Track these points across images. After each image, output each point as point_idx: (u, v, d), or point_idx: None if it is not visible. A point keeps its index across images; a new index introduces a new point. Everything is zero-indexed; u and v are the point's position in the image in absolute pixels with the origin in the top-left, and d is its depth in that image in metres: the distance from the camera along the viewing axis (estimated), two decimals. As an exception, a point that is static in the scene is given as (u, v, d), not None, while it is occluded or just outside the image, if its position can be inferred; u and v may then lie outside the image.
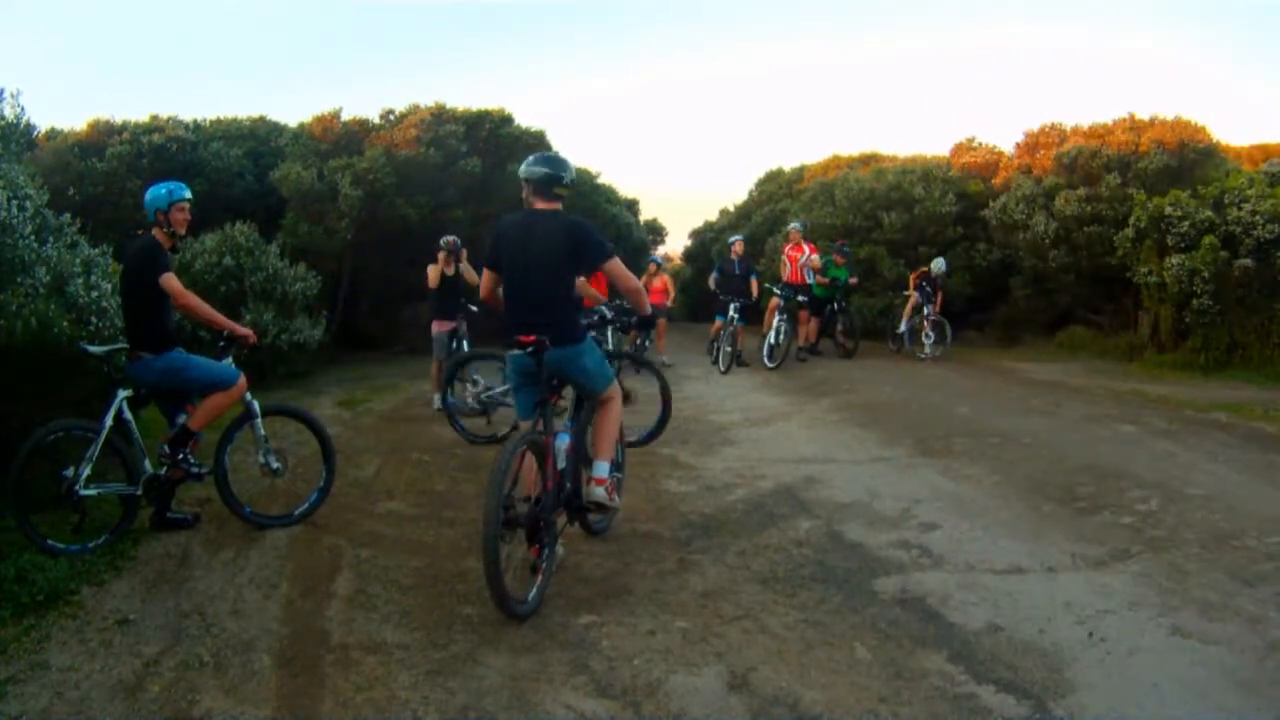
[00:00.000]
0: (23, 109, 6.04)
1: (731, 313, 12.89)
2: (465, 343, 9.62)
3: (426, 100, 17.29)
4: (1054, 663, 3.53)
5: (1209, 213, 11.52)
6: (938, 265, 14.29)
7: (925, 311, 14.22)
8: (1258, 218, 11.03)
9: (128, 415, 5.11)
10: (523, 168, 4.61)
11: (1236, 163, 15.40)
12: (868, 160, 21.72)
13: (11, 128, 5.84)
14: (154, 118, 16.43)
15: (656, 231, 30.47)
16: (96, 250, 6.50)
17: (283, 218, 15.06)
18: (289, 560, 4.87)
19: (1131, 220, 12.47)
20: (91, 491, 4.93)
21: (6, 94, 5.91)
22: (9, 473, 4.63)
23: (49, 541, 4.69)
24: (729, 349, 12.81)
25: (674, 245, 34.12)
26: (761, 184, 26.57)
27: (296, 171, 14.89)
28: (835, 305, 14.47)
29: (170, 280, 5.05)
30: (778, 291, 13.18)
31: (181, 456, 5.26)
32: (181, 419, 5.33)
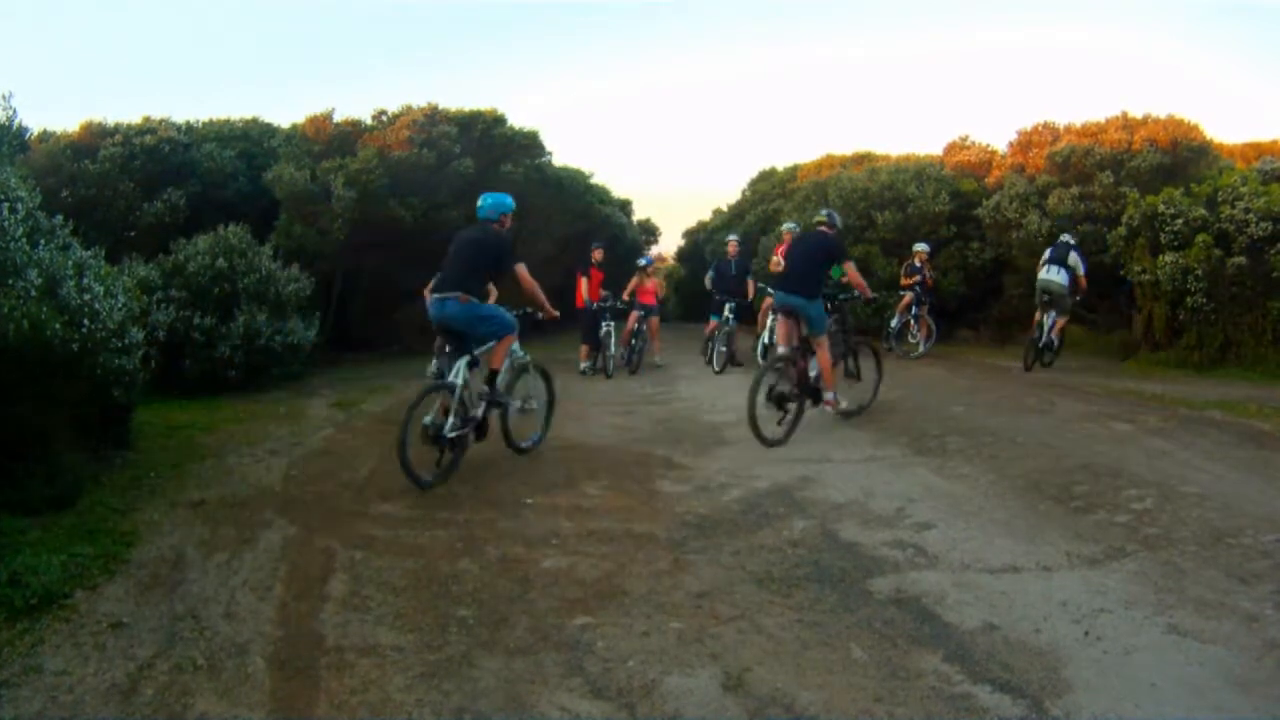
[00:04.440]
0: (14, 111, 6.03)
1: (726, 313, 12.86)
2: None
3: (419, 101, 17.25)
4: (1050, 662, 3.53)
5: (1202, 211, 11.54)
6: (919, 247, 14.33)
7: (914, 310, 14.23)
8: (1251, 215, 11.05)
9: (466, 375, 6.66)
10: (823, 213, 8.58)
11: (1230, 161, 15.40)
12: (861, 159, 21.69)
13: (3, 130, 5.82)
14: (147, 119, 16.37)
15: (650, 232, 30.44)
16: (89, 252, 6.47)
17: (276, 219, 15.04)
18: (283, 563, 4.85)
19: (1125, 218, 12.49)
20: (454, 434, 6.44)
21: None
22: (401, 424, 6.16)
23: (421, 476, 6.25)
24: (723, 349, 12.79)
25: (667, 245, 34.13)
26: (755, 183, 26.55)
27: (289, 173, 14.86)
28: (829, 305, 14.43)
29: (523, 269, 6.96)
30: (771, 291, 13.16)
31: (493, 389, 6.93)
32: (479, 352, 6.89)
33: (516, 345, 7.20)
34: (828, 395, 8.01)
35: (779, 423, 7.65)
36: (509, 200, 7.18)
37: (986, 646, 3.69)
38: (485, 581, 4.57)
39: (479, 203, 7.11)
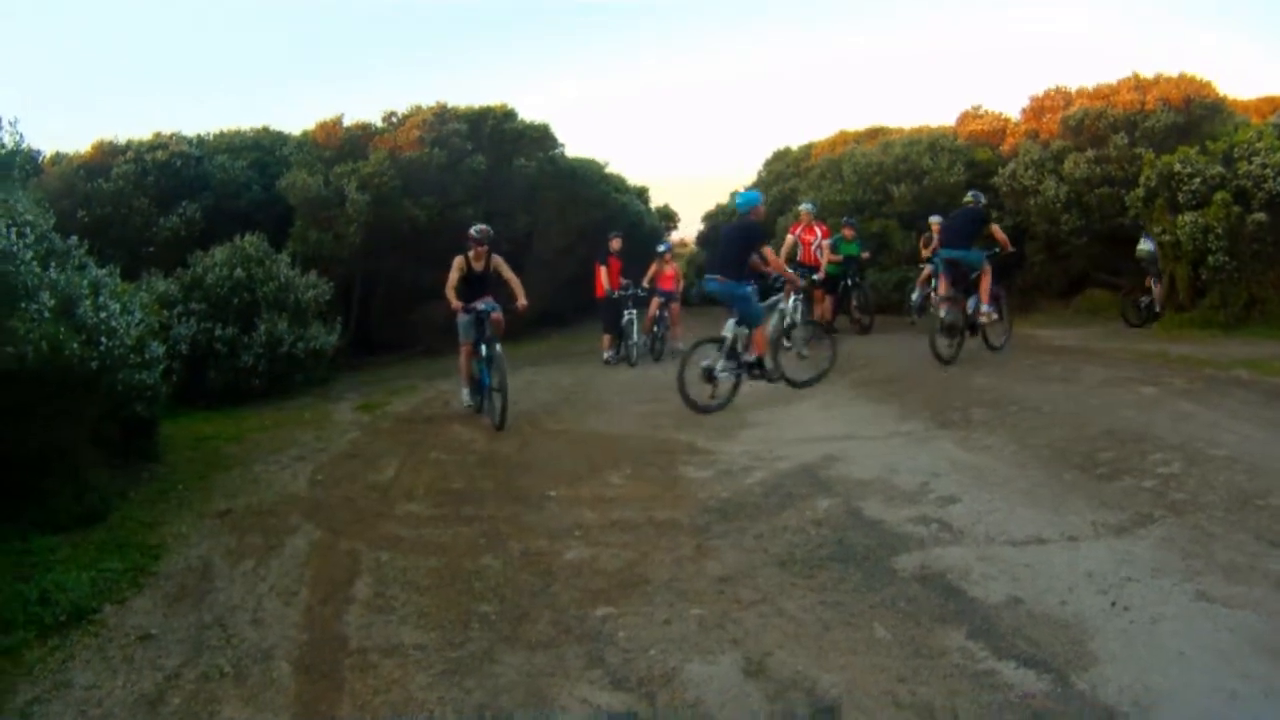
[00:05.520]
0: (21, 136, 6.03)
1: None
2: (496, 347, 8.62)
3: (428, 100, 17.25)
4: (1076, 634, 3.50)
5: (1219, 168, 11.35)
6: (934, 220, 14.19)
7: (934, 283, 14.11)
8: (1268, 171, 10.85)
9: (736, 330, 8.33)
10: (970, 195, 10.94)
11: (1245, 116, 15.10)
12: (874, 134, 21.48)
13: (12, 155, 5.85)
14: (157, 135, 16.42)
15: (669, 218, 30.28)
16: (104, 271, 6.52)
17: (291, 226, 15.07)
18: (308, 567, 4.89)
19: (1141, 180, 12.31)
20: (724, 375, 8.27)
21: (4, 122, 5.90)
22: (679, 366, 8.34)
23: (697, 403, 8.21)
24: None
25: (688, 230, 34.00)
26: (770, 164, 26.35)
27: (302, 179, 14.89)
28: (849, 281, 14.37)
29: (769, 250, 8.59)
30: (792, 272, 13.06)
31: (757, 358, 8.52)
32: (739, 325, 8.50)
33: (788, 305, 9.52)
34: (985, 307, 10.17)
35: (948, 346, 9.96)
36: (757, 196, 8.94)
37: (1011, 621, 3.66)
38: (508, 577, 4.60)
39: (735, 201, 9.14)
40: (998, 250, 10.56)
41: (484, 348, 8.69)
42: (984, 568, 4.24)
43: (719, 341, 8.41)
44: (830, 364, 9.28)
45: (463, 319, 8.87)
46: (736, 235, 8.59)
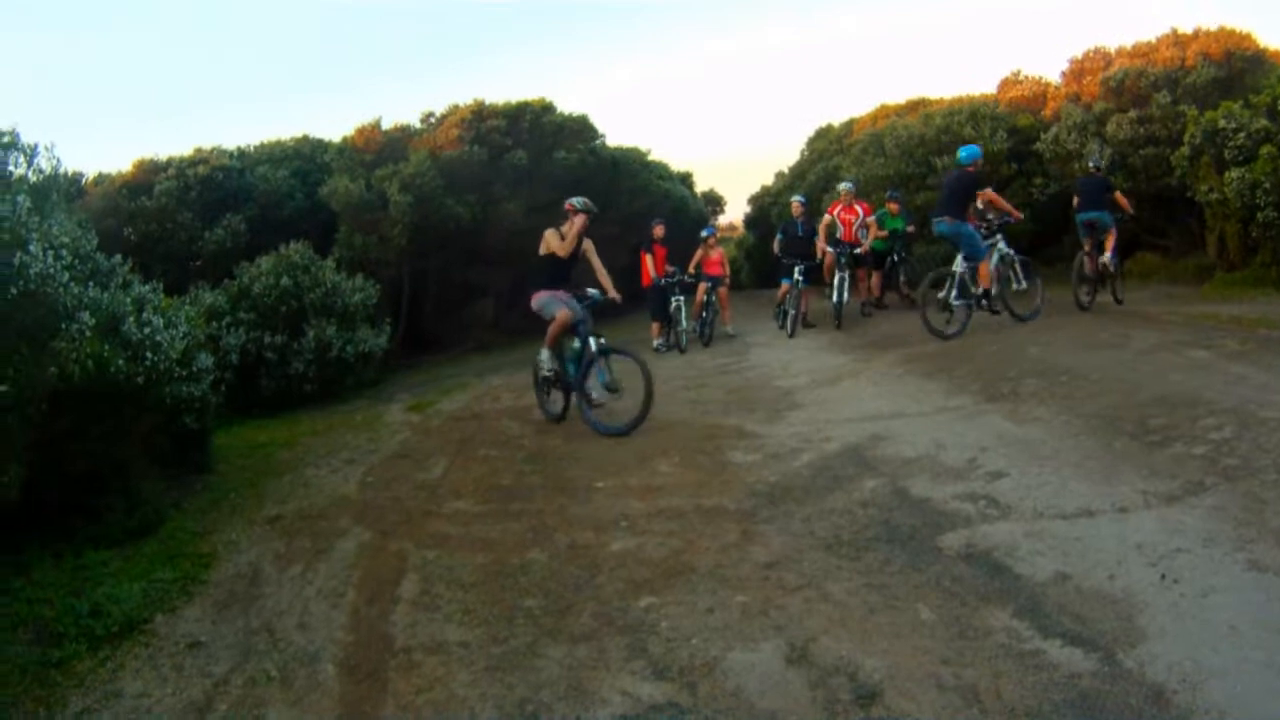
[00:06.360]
0: (59, 161, 6.12)
1: (796, 275, 12.71)
2: (594, 340, 7.85)
3: (465, 99, 17.35)
4: (1124, 610, 3.42)
5: (1264, 121, 11.02)
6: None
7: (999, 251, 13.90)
8: (1314, 122, 10.57)
9: (963, 266, 10.11)
10: (1091, 163, 11.86)
11: (1287, 67, 14.68)
12: (915, 106, 21.23)
13: (50, 180, 5.95)
14: (198, 150, 16.71)
15: (715, 202, 30.22)
16: (147, 287, 6.64)
17: (336, 232, 15.27)
18: (356, 569, 4.95)
19: (1186, 138, 12.02)
20: (957, 304, 10.00)
21: (41, 148, 6.00)
22: (920, 300, 10.36)
23: (937, 330, 9.93)
24: (793, 312, 12.66)
25: (735, 213, 33.85)
26: (812, 142, 26.17)
27: (344, 185, 15.07)
28: (896, 256, 14.21)
29: (988, 191, 10.47)
30: (833, 249, 12.93)
31: (984, 290, 10.26)
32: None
33: (1004, 244, 10.52)
34: (1108, 255, 11.16)
35: (1085, 294, 11.06)
36: (978, 151, 10.63)
37: (1058, 598, 3.59)
38: (553, 570, 4.61)
39: (958, 154, 10.63)
40: (1122, 215, 11.49)
41: (584, 343, 7.85)
42: (1031, 543, 4.17)
43: (950, 277, 10.16)
44: (1043, 299, 10.72)
45: (543, 296, 7.98)
46: (958, 184, 10.29)
